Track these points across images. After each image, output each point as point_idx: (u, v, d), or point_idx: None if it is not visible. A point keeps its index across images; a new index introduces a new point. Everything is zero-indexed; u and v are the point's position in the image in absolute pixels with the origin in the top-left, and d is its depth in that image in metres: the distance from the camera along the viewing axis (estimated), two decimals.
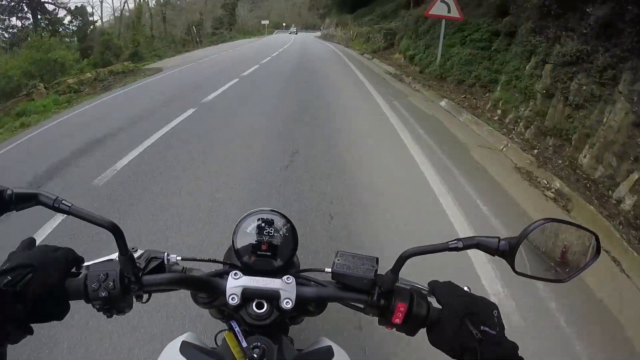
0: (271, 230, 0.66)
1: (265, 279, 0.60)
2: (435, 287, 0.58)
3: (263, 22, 54.77)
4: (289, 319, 0.73)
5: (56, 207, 0.50)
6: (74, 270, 0.56)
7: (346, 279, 0.58)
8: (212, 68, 11.47)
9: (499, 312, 0.53)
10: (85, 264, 0.57)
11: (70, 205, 0.50)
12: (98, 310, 0.54)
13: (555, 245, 0.55)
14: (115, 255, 0.56)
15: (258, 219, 0.66)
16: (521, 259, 0.53)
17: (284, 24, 68.27)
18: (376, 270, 0.58)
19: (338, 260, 0.59)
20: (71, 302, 0.54)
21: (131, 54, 18.71)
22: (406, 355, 1.65)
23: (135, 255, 0.59)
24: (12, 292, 0.46)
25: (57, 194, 0.50)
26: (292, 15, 72.93)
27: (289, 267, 0.66)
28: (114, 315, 0.56)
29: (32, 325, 0.49)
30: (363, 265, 0.58)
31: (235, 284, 0.58)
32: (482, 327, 0.50)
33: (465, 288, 0.58)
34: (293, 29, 56.87)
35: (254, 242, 0.65)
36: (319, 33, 42.90)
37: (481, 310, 0.52)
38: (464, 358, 0.51)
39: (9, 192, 0.49)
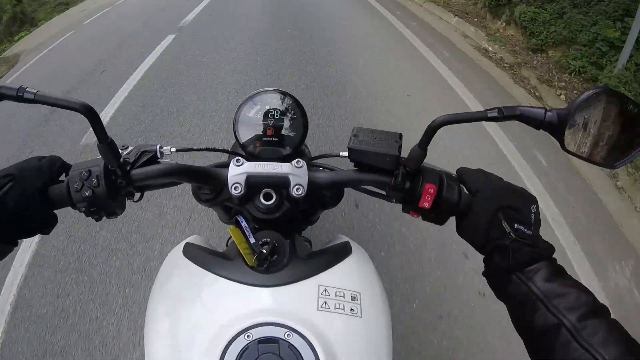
0: (277, 112, 0.58)
1: (272, 163, 0.53)
2: (465, 174, 0.52)
3: None
4: (303, 216, 0.67)
5: (20, 96, 0.43)
6: (62, 178, 0.50)
7: (366, 157, 0.51)
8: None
9: (537, 207, 0.48)
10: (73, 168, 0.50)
11: (34, 92, 0.43)
12: (86, 214, 0.48)
13: (607, 121, 0.47)
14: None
15: (262, 102, 0.59)
16: (569, 134, 0.46)
17: None
18: (400, 147, 0.51)
19: (355, 135, 0.52)
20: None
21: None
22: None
23: (125, 152, 0.52)
24: None
25: (20, 84, 0.43)
26: None
27: (298, 155, 0.58)
28: (104, 218, 0.50)
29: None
30: (384, 141, 0.51)
31: (238, 171, 0.51)
32: (516, 225, 0.45)
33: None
34: None
35: (257, 127, 0.58)
36: None
37: (517, 204, 0.47)
38: (493, 256, 0.46)
39: None
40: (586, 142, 0.47)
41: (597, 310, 0.40)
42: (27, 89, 0.43)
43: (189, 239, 0.60)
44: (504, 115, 0.44)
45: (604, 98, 0.46)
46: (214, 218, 1.82)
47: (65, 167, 0.51)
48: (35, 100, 0.43)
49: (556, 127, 0.44)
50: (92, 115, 0.44)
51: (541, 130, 0.45)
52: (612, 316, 0.40)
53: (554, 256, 0.46)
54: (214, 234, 1.83)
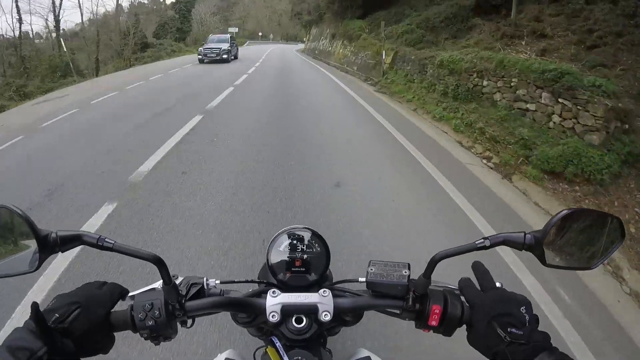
0: (303, 246, 0.68)
1: (302, 294, 0.61)
2: (464, 286, 0.59)
3: (231, 29, 38.19)
4: (327, 331, 0.74)
5: (100, 245, 0.52)
6: (120, 301, 0.58)
7: (381, 287, 0.60)
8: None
9: (528, 306, 0.54)
10: (130, 294, 0.59)
11: (113, 242, 0.52)
12: (145, 339, 0.56)
13: (579, 232, 0.56)
14: (157, 285, 0.59)
15: (290, 236, 0.69)
16: (549, 251, 0.54)
17: (260, 33, 57.02)
18: (409, 276, 0.60)
19: (371, 269, 0.61)
20: (117, 334, 0.56)
21: None
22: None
23: (176, 282, 0.61)
24: (60, 329, 0.49)
25: (99, 234, 0.52)
26: (271, 23, 61.74)
27: (323, 280, 0.68)
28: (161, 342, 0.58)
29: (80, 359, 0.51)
30: (395, 272, 0.60)
31: (274, 301, 0.60)
32: (509, 329, 0.50)
33: (498, 284, 0.59)
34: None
35: (287, 259, 0.67)
36: (301, 46, 33.58)
37: (509, 310, 0.53)
38: (496, 359, 0.51)
39: (53, 235, 0.50)
40: (563, 254, 0.56)
41: None
42: (106, 239, 0.52)
43: (227, 354, 0.67)
44: (491, 243, 0.54)
45: (574, 216, 0.55)
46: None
47: (123, 293, 0.59)
48: (113, 249, 0.52)
49: (534, 247, 0.53)
50: (160, 264, 0.54)
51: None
52: None
53: (554, 345, 0.49)
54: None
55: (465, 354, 0.59)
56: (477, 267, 0.60)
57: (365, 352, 0.68)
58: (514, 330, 0.51)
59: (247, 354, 0.73)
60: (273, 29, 60.64)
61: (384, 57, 9.62)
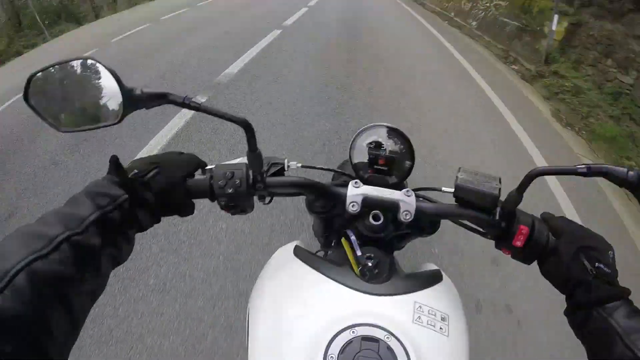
0: (388, 144, 0.65)
1: (386, 189, 0.60)
2: (550, 219, 0.57)
3: None
4: (397, 240, 0.73)
5: (186, 104, 0.50)
6: (197, 173, 0.58)
7: (469, 194, 0.56)
8: None
9: (614, 254, 0.51)
10: (208, 167, 0.59)
11: (199, 103, 0.51)
12: (222, 208, 0.57)
13: None
14: (238, 160, 0.59)
15: (377, 134, 0.66)
16: None
17: None
18: (500, 189, 0.56)
19: (461, 175, 0.58)
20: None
21: None
22: None
23: None
24: (140, 182, 0.50)
25: (184, 94, 0.51)
26: None
27: (403, 185, 0.65)
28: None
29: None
30: (486, 182, 0.56)
31: (357, 192, 0.59)
32: (596, 264, 0.48)
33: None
34: None
35: (370, 157, 0.65)
36: None
37: (598, 246, 0.51)
38: (575, 292, 0.50)
39: (138, 91, 0.49)
40: None
41: None
42: (192, 99, 0.50)
43: (297, 242, 0.67)
44: (592, 171, 0.49)
45: None
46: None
47: (202, 164, 0.59)
48: (200, 109, 0.50)
49: (636, 185, 0.48)
50: (248, 128, 0.53)
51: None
52: None
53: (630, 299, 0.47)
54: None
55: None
56: (550, 217, 0.57)
57: (434, 266, 0.66)
58: (601, 266, 0.48)
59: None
60: None
61: (554, 24, 4.70)
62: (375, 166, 0.65)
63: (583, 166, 0.50)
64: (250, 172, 0.57)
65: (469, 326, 0.59)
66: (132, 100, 0.48)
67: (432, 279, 0.61)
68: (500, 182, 0.57)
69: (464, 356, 0.54)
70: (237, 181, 0.55)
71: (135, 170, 0.51)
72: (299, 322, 0.53)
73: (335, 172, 0.71)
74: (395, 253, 0.71)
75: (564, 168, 0.51)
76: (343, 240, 0.59)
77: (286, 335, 0.52)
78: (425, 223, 0.66)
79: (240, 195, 0.56)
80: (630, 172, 0.48)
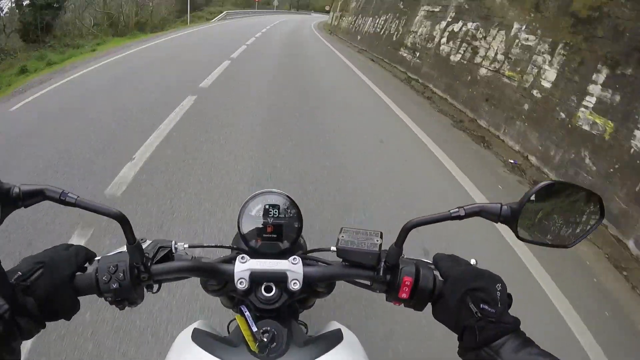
0: (276, 212, 0.66)
1: (272, 260, 0.60)
2: (439, 260, 0.59)
3: None
4: (299, 303, 0.74)
5: (62, 200, 0.50)
6: (86, 265, 0.56)
7: (351, 255, 0.58)
8: None
9: (503, 286, 0.53)
10: (97, 257, 0.57)
11: (76, 197, 0.50)
12: (110, 303, 0.55)
13: (558, 208, 0.55)
14: (124, 248, 0.57)
15: (263, 202, 0.67)
16: (524, 224, 0.53)
17: None
18: (380, 245, 0.58)
19: (342, 236, 0.60)
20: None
21: None
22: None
23: (144, 245, 0.59)
24: (22, 287, 0.47)
25: (62, 188, 0.50)
26: None
27: (295, 249, 0.66)
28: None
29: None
30: (367, 240, 0.59)
31: (243, 267, 0.59)
32: (481, 305, 0.50)
33: (472, 261, 0.58)
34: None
35: (259, 225, 0.66)
36: (323, 18, 24.39)
37: (483, 286, 0.52)
38: (463, 335, 0.51)
39: (15, 189, 0.48)
40: (539, 229, 0.54)
41: None
42: (68, 194, 0.50)
43: (196, 324, 0.66)
44: (466, 213, 0.52)
45: (553, 189, 0.53)
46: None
47: (89, 256, 0.57)
48: (76, 204, 0.50)
49: (510, 219, 0.51)
50: (124, 222, 0.52)
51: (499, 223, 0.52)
52: None
53: (522, 329, 0.50)
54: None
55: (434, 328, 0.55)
56: (440, 258, 0.59)
57: (336, 325, 0.67)
58: (486, 307, 0.50)
59: (221, 328, 0.73)
60: None
61: None
62: (264, 234, 0.66)
63: (457, 210, 0.52)
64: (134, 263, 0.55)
65: None
66: (10, 201, 0.47)
67: (332, 340, 0.61)
68: (381, 237, 0.60)
69: None
70: (121, 274, 0.53)
71: (19, 273, 0.48)
72: None
73: (224, 247, 0.70)
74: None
75: (439, 216, 0.53)
76: (238, 317, 0.59)
77: None
78: (320, 286, 0.68)
79: (125, 288, 0.54)
80: (504, 207, 0.51)
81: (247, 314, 0.59)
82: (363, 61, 10.33)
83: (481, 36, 5.67)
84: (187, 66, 7.64)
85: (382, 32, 10.72)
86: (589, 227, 0.54)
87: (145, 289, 0.59)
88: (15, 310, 0.45)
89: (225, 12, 28.24)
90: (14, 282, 0.47)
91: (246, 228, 0.66)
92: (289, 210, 0.67)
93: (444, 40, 6.86)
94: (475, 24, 5.94)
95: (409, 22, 8.88)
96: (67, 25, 19.22)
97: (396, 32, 9.54)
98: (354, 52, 11.99)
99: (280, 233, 0.66)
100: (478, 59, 5.62)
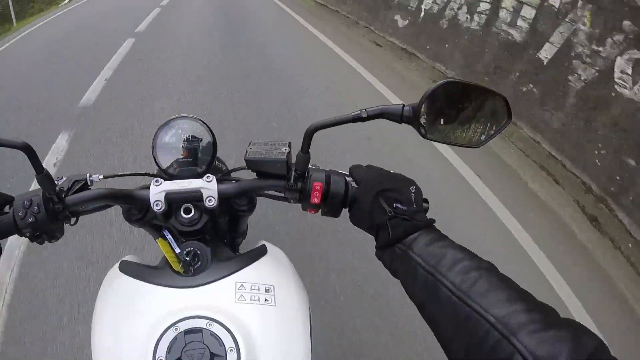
0: (189, 136, 0.65)
1: (186, 180, 0.60)
2: (353, 169, 0.59)
3: None
4: (232, 229, 0.74)
5: None
6: (5, 210, 0.55)
7: (260, 165, 0.58)
8: None
9: (417, 188, 0.54)
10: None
11: None
12: (30, 239, 0.54)
13: (463, 108, 0.54)
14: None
15: (176, 127, 0.66)
16: (430, 125, 0.53)
17: None
18: (289, 153, 0.58)
19: (251, 148, 0.60)
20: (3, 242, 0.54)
21: None
22: None
23: (60, 182, 0.58)
24: None
25: None
26: None
27: (212, 171, 0.65)
28: (46, 243, 0.56)
29: None
30: (275, 150, 0.59)
31: (157, 190, 0.58)
32: (394, 205, 0.51)
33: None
34: None
35: (173, 150, 0.65)
36: None
37: (396, 187, 0.53)
38: (378, 234, 0.52)
39: None
40: (445, 129, 0.55)
41: (479, 266, 0.43)
42: None
43: (125, 258, 0.66)
44: (368, 115, 0.51)
45: (451, 88, 0.52)
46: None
47: (7, 199, 0.55)
48: None
49: (412, 119, 0.51)
50: (29, 151, 0.50)
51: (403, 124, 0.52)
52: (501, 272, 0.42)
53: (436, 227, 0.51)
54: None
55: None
56: (355, 168, 0.59)
57: (262, 242, 0.68)
58: (399, 205, 0.51)
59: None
60: None
61: None
62: (180, 159, 0.65)
63: (359, 112, 0.51)
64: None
65: (305, 286, 0.62)
66: None
67: (255, 255, 0.63)
68: (289, 146, 0.59)
69: (298, 320, 0.57)
70: (35, 207, 0.53)
71: None
72: (128, 333, 0.53)
73: (139, 175, 0.69)
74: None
75: (341, 118, 0.52)
76: (159, 240, 0.59)
77: (120, 350, 0.52)
78: (240, 204, 0.68)
79: (42, 221, 0.53)
80: (406, 107, 0.50)
81: (169, 237, 0.59)
82: None
83: None
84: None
85: None
86: (496, 127, 0.55)
87: (63, 223, 0.58)
88: None
89: None
90: None
91: (161, 154, 0.65)
92: (202, 134, 0.66)
93: None
94: None
95: None
96: None
97: None
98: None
99: (195, 157, 0.65)
100: None
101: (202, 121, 0.66)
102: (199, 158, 0.65)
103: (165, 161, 0.65)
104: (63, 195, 0.56)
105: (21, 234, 0.54)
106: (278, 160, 0.57)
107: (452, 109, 0.54)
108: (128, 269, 0.61)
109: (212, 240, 0.64)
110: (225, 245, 0.71)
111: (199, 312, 0.51)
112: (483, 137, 0.55)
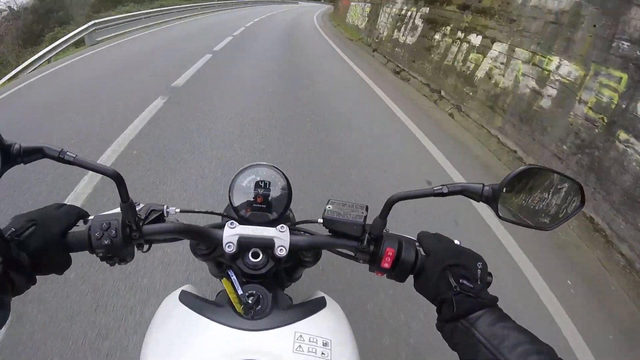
0: (266, 183, 0.68)
1: (260, 227, 0.62)
2: (423, 237, 0.60)
3: None
4: (287, 275, 0.76)
5: (62, 158, 0.50)
6: (79, 224, 0.58)
7: (337, 225, 0.60)
8: None
9: (484, 265, 0.55)
10: (90, 217, 0.59)
11: (74, 155, 0.51)
12: (101, 259, 0.57)
13: (539, 192, 0.56)
14: (118, 209, 0.58)
15: (254, 174, 0.68)
16: (505, 205, 0.55)
17: None
18: (366, 217, 0.60)
19: (329, 207, 0.62)
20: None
21: None
22: None
23: (137, 208, 0.61)
24: (16, 242, 0.49)
25: (61, 147, 0.51)
26: None
27: (283, 220, 0.68)
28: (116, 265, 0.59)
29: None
30: (353, 212, 0.61)
31: (232, 232, 0.61)
32: (460, 280, 0.52)
33: (456, 241, 0.60)
34: None
35: (250, 197, 0.67)
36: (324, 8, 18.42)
37: (463, 262, 0.54)
38: (442, 308, 0.53)
39: (16, 146, 0.49)
40: (519, 210, 0.56)
41: (539, 350, 0.43)
42: (67, 153, 0.51)
43: (184, 287, 0.67)
44: (449, 191, 0.54)
45: (532, 173, 0.55)
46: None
47: (82, 215, 0.59)
48: (74, 162, 0.51)
49: (491, 199, 0.53)
50: (118, 180, 0.54)
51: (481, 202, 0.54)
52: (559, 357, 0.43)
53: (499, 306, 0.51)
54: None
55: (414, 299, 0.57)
56: (424, 235, 0.61)
57: (320, 293, 0.69)
58: (465, 282, 0.52)
59: (209, 296, 0.74)
60: None
61: None
62: (254, 204, 0.67)
63: (440, 187, 0.54)
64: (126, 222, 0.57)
65: (357, 345, 0.61)
66: (10, 157, 0.48)
67: (315, 306, 0.63)
68: (367, 210, 0.61)
69: None
70: (113, 232, 0.55)
71: (12, 229, 0.50)
72: None
73: (215, 214, 0.72)
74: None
75: (423, 191, 0.55)
76: (224, 281, 0.60)
77: None
78: (306, 255, 0.70)
79: (117, 245, 0.56)
80: (486, 187, 0.53)
81: (233, 277, 0.61)
82: None
83: None
84: None
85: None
86: (569, 213, 0.56)
87: (135, 248, 0.60)
88: (8, 264, 0.46)
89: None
90: (8, 237, 0.48)
91: (237, 199, 0.67)
92: (278, 183, 0.68)
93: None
94: None
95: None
96: None
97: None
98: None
99: (269, 204, 0.67)
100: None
101: (279, 169, 0.69)
102: (272, 205, 0.67)
103: (238, 201, 0.67)
104: (141, 224, 0.58)
105: (93, 252, 0.56)
106: (355, 223, 0.59)
107: (528, 192, 0.56)
108: (187, 300, 0.62)
109: (273, 285, 0.65)
110: (284, 292, 0.71)
111: (257, 357, 0.52)
112: (554, 221, 0.56)
